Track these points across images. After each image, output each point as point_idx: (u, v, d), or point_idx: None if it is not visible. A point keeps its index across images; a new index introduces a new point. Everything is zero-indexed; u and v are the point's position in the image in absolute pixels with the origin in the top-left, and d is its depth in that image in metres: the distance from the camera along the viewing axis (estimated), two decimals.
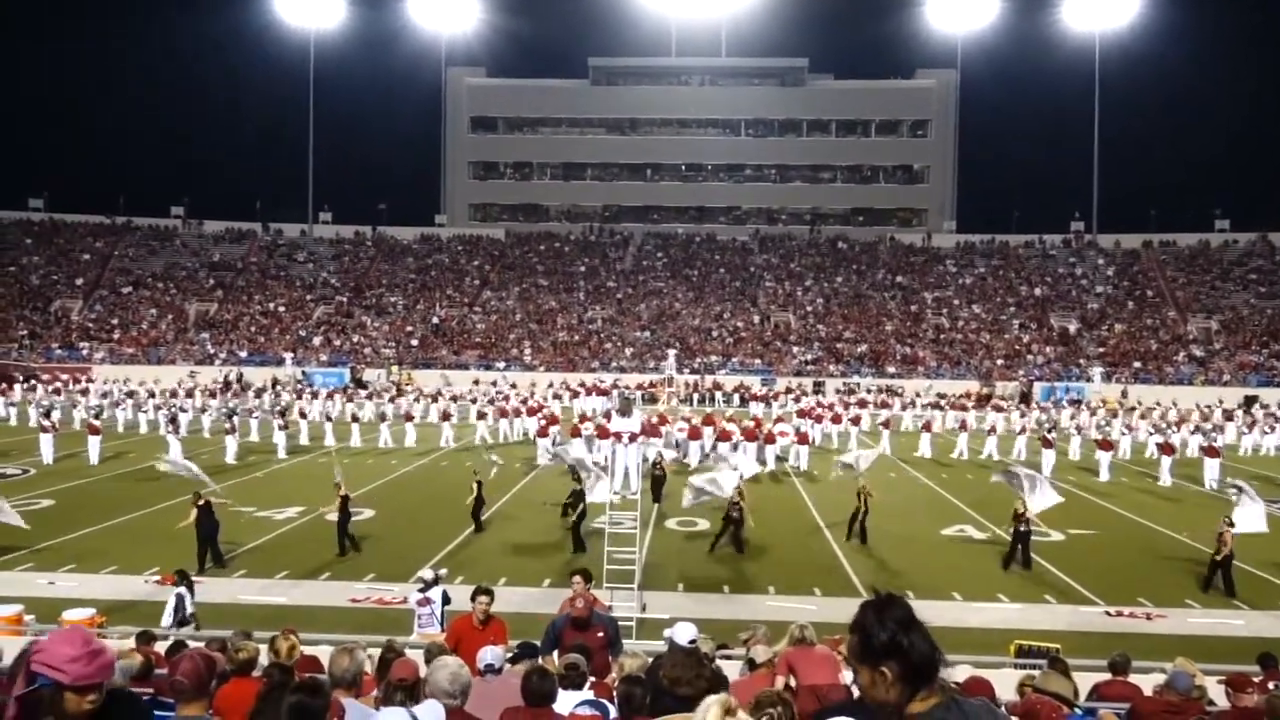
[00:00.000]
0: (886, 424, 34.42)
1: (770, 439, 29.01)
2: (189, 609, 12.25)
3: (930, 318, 61.80)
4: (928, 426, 33.65)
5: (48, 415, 30.71)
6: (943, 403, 43.61)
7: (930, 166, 77.60)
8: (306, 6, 70.51)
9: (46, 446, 27.72)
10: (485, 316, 62.16)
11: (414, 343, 58.51)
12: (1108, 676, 8.24)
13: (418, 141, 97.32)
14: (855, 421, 34.88)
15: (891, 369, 55.23)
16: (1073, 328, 59.95)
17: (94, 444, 27.82)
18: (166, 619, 11.96)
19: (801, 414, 35.37)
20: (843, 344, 58.40)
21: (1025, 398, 48.95)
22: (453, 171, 79.50)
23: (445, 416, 34.62)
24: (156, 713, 4.20)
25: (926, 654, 2.32)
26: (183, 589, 12.31)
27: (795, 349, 57.91)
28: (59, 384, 46.35)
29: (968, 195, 78.87)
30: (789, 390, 47.07)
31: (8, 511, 16.98)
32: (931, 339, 59.10)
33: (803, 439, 29.77)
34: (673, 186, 79.10)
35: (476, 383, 48.75)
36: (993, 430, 32.93)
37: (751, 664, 7.42)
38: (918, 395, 45.51)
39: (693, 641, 6.37)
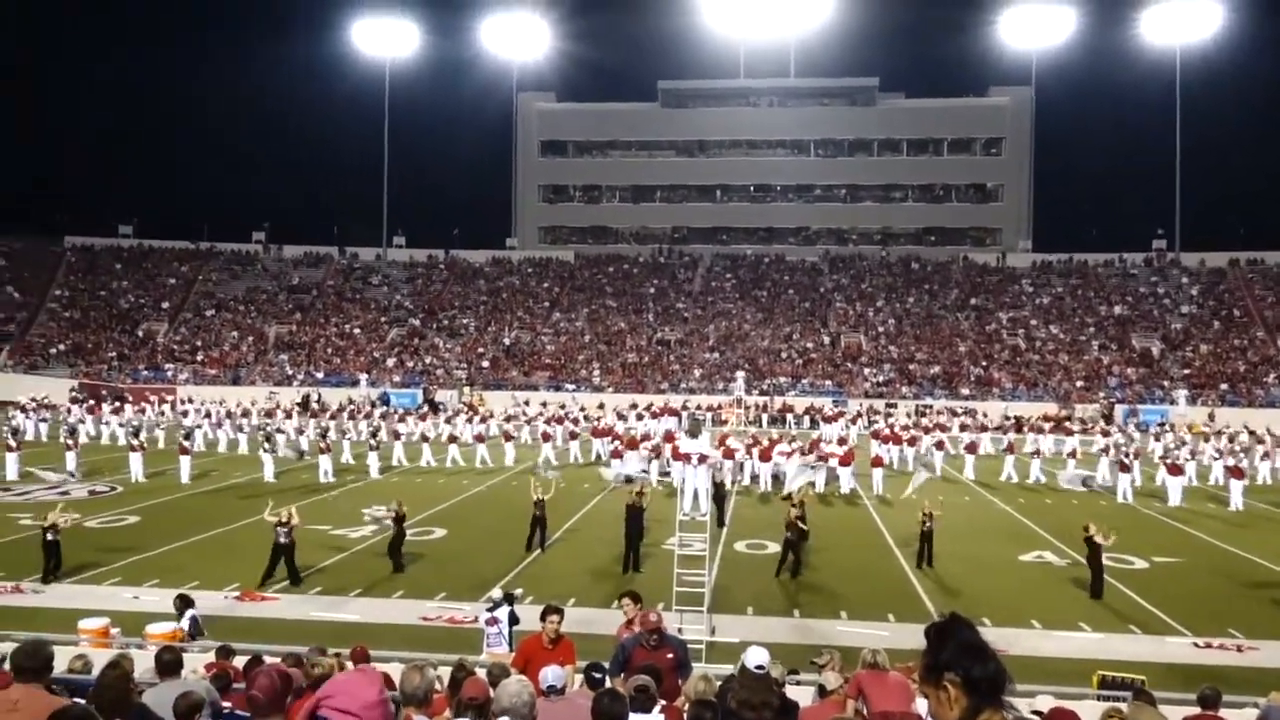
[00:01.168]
0: (940, 445, 33.74)
1: (845, 460, 28.53)
2: (201, 630, 12.68)
3: (1006, 338, 60.55)
4: (972, 448, 33.01)
5: (136, 434, 31.77)
6: (1046, 426, 41.85)
7: (1004, 185, 76.15)
8: (383, 37, 72.55)
9: (136, 464, 28.60)
10: (555, 338, 62.70)
11: (485, 364, 59.27)
12: (1196, 711, 7.91)
13: (489, 166, 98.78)
14: (912, 443, 34.20)
15: (965, 390, 54.19)
16: (1155, 349, 58.17)
17: (185, 464, 28.57)
18: None
19: (875, 435, 34.88)
20: (915, 365, 57.52)
21: (1108, 419, 47.57)
22: (523, 195, 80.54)
23: (546, 437, 34.87)
24: None
25: (991, 669, 2.31)
26: (194, 611, 12.75)
27: (866, 370, 57.23)
28: (147, 403, 47.94)
29: (1044, 213, 77.09)
30: (857, 412, 46.42)
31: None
32: (1007, 360, 57.89)
33: (876, 462, 29.33)
34: (741, 207, 78.94)
35: (525, 403, 48.75)
36: (1037, 454, 32.13)
37: (822, 690, 7.32)
38: (1005, 418, 44.34)
39: (761, 666, 6.30)
